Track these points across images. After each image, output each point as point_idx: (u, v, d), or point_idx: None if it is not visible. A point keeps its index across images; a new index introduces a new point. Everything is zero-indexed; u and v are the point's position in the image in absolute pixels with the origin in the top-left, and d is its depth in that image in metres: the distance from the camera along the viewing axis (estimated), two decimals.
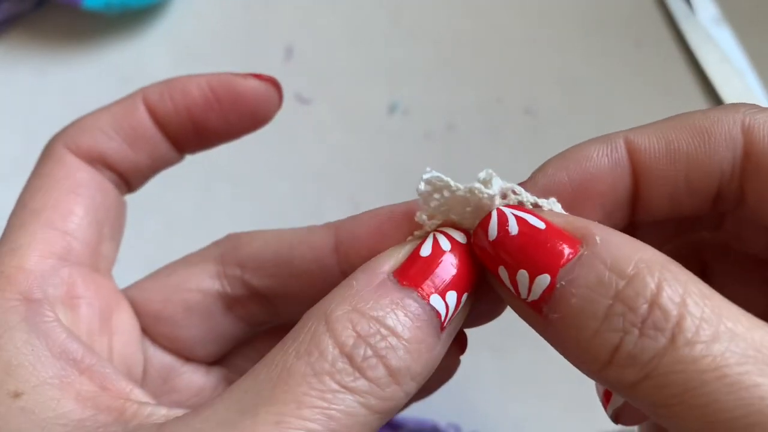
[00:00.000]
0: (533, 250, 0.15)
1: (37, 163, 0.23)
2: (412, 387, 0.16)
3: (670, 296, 0.14)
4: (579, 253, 0.15)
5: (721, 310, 0.14)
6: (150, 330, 0.23)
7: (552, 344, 0.16)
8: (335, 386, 0.14)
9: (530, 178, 0.18)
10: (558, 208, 0.17)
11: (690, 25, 0.49)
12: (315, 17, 0.50)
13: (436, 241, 0.17)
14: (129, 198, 0.46)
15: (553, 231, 0.15)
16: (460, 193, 0.17)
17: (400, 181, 0.46)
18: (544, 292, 0.15)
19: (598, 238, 0.15)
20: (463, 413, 0.40)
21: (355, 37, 0.50)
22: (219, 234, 0.45)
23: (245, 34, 0.50)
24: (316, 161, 0.47)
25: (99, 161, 0.23)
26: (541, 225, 0.15)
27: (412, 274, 0.16)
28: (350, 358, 0.15)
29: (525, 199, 0.17)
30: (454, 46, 0.49)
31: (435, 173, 0.17)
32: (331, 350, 0.15)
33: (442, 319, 0.16)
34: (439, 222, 0.17)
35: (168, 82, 0.23)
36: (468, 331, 0.28)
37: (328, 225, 0.22)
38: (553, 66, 0.49)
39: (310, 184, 0.46)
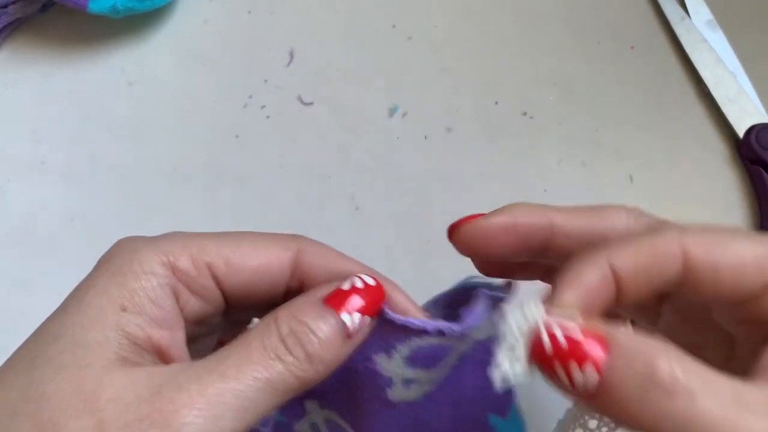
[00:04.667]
0: (580, 353, 0.21)
1: None
2: (321, 368, 0.24)
3: (681, 368, 0.20)
4: (610, 350, 0.21)
5: (704, 371, 0.21)
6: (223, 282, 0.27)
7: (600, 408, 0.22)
8: (273, 356, 0.23)
9: (554, 299, 0.23)
10: (578, 316, 0.23)
11: (684, 28, 0.49)
12: (317, 22, 0.51)
13: (354, 282, 0.26)
14: (136, 197, 0.47)
15: (589, 335, 0.21)
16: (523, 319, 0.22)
17: (399, 182, 0.47)
18: (595, 383, 0.21)
19: (616, 335, 0.21)
20: None
21: (355, 41, 0.51)
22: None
23: (249, 38, 0.51)
24: (318, 162, 0.48)
25: None
26: (580, 335, 0.22)
27: (333, 299, 0.25)
28: (284, 342, 0.23)
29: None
30: (453, 50, 0.50)
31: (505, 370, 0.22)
32: (275, 335, 0.24)
33: (348, 329, 0.24)
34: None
35: None
36: None
37: (289, 243, 0.28)
38: (549, 69, 0.49)
39: (312, 185, 0.47)
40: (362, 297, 0.25)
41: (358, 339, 0.25)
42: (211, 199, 0.47)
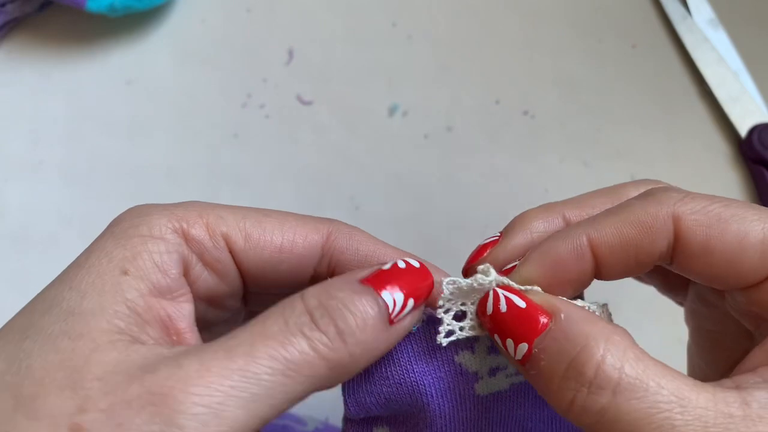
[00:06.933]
0: (516, 324, 0.21)
1: None
2: (356, 350, 0.20)
3: (611, 363, 0.19)
4: (548, 326, 0.20)
5: (650, 370, 0.19)
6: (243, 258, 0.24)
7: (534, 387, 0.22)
8: (296, 330, 0.20)
9: (515, 272, 0.23)
10: (538, 289, 0.22)
11: (686, 27, 0.49)
12: (316, 20, 0.51)
13: (396, 262, 0.22)
14: (134, 196, 0.47)
15: (531, 308, 0.21)
16: (467, 284, 0.23)
17: (399, 181, 0.47)
18: (524, 355, 0.21)
19: (562, 315, 0.20)
20: None
21: (355, 40, 0.50)
22: None
23: (248, 36, 0.51)
24: (317, 162, 0.47)
25: None
26: (523, 304, 0.21)
27: (373, 278, 0.22)
28: (311, 315, 0.20)
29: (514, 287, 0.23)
30: (453, 49, 0.50)
31: (452, 279, 0.23)
32: (299, 308, 0.20)
33: (390, 310, 0.21)
34: (453, 305, 0.23)
35: None
36: None
37: (322, 226, 0.26)
38: (550, 68, 0.49)
39: (311, 185, 0.47)
40: (406, 279, 0.22)
41: (403, 327, 0.22)
42: (210, 198, 0.46)
